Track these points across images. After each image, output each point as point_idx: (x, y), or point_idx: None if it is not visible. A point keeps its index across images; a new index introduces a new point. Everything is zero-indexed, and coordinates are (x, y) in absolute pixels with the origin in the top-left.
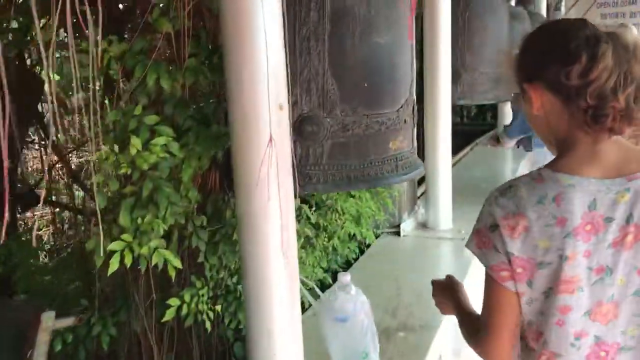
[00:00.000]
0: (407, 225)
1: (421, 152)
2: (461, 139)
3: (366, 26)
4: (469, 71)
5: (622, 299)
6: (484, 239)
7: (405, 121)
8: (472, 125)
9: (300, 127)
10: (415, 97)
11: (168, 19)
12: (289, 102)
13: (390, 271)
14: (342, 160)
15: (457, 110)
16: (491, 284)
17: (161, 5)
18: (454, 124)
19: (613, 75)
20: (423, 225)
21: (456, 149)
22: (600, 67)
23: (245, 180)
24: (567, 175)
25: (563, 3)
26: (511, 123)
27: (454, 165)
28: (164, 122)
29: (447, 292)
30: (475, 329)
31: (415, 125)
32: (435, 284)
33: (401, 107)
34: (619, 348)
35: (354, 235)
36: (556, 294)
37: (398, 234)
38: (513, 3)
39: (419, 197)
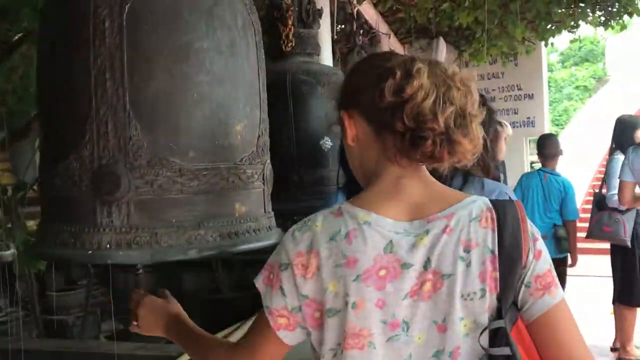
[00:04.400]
0: None
1: None
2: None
3: None
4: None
5: None
6: (273, 276)
7: None
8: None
9: None
10: None
11: None
12: None
13: None
14: None
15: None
16: (263, 329)
17: None
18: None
19: (430, 95)
20: None
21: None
22: (415, 84)
23: None
24: (365, 211)
25: None
26: None
27: None
28: None
29: (159, 309)
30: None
31: None
32: (135, 292)
33: None
34: None
35: None
36: (345, 350)
37: None
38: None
39: None
